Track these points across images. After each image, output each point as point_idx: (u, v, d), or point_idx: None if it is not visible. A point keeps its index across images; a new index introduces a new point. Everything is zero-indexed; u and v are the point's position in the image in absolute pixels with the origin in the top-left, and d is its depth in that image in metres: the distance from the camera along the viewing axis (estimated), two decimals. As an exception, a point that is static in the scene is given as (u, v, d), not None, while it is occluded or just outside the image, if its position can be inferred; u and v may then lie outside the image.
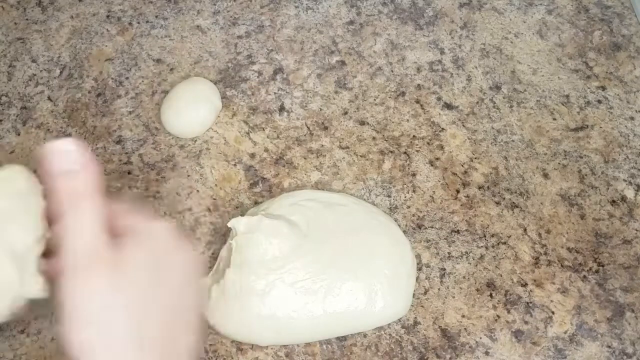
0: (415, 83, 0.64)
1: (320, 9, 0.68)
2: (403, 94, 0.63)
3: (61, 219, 0.31)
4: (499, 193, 0.57)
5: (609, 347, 0.51)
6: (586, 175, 0.58)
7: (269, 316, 0.48)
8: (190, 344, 0.33)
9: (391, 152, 0.60)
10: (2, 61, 0.65)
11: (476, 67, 0.64)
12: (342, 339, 0.51)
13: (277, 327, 0.49)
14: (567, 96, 0.63)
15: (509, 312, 0.52)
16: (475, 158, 0.59)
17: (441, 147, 0.60)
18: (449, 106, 0.62)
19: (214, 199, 0.57)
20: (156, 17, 0.68)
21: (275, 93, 0.63)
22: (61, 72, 0.65)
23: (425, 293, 0.53)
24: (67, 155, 0.31)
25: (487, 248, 0.55)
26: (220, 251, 0.53)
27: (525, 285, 0.53)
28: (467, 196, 0.57)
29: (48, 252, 0.32)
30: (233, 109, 0.62)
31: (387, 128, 0.61)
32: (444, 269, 0.54)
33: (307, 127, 0.61)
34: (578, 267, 0.54)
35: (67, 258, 0.30)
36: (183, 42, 0.66)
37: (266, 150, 0.60)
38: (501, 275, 0.53)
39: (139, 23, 0.68)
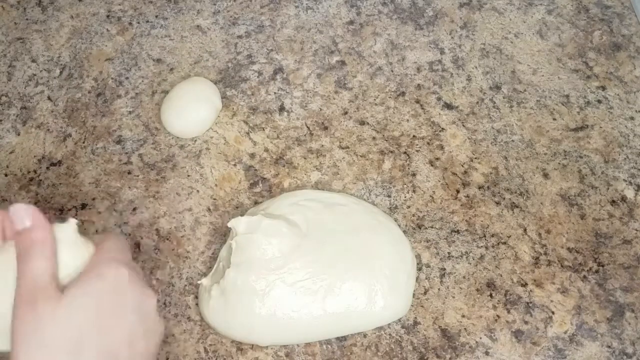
0: (415, 83, 0.64)
1: (320, 9, 0.68)
2: (403, 94, 0.63)
3: (18, 267, 0.36)
4: (499, 193, 0.57)
5: (609, 347, 0.51)
6: (586, 175, 0.58)
7: (269, 316, 0.48)
8: None
9: (391, 152, 0.60)
10: (2, 61, 0.65)
11: (476, 67, 0.64)
12: (342, 339, 0.51)
13: (277, 327, 0.49)
14: (567, 96, 0.63)
15: (509, 312, 0.52)
16: (475, 158, 0.59)
17: (441, 147, 0.60)
18: (449, 106, 0.62)
19: (214, 199, 0.57)
20: (156, 17, 0.68)
21: (275, 93, 0.63)
22: (61, 72, 0.65)
23: (425, 293, 0.53)
24: (25, 217, 0.37)
25: (487, 248, 0.55)
26: (220, 251, 0.53)
27: (525, 285, 0.53)
28: (467, 196, 0.57)
29: None
30: (233, 109, 0.62)
31: (387, 128, 0.61)
32: (444, 269, 0.54)
33: (307, 127, 0.61)
34: (578, 267, 0.54)
35: (16, 294, 0.35)
36: (183, 42, 0.66)
37: (266, 150, 0.60)
38: (501, 275, 0.53)
39: (139, 23, 0.68)
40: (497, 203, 0.57)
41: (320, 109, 0.62)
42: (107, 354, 0.34)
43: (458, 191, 0.57)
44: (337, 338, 0.51)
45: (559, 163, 0.59)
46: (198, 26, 0.67)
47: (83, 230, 0.56)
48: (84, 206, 0.57)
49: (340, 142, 0.60)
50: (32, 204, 0.38)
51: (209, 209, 0.57)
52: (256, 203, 0.57)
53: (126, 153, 0.60)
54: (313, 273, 0.49)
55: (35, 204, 0.56)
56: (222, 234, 0.55)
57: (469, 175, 0.58)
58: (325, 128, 0.61)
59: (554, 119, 0.61)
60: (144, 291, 0.38)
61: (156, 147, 0.60)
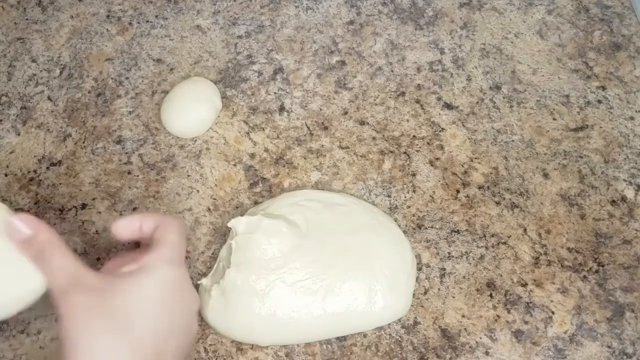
0: (415, 83, 0.64)
1: (320, 9, 0.68)
2: (403, 94, 0.63)
3: (39, 271, 0.38)
4: (499, 193, 0.57)
5: (609, 347, 0.50)
6: (586, 175, 0.58)
7: (269, 316, 0.48)
8: None
9: (391, 152, 0.60)
10: (2, 61, 0.65)
11: (476, 67, 0.64)
12: (342, 339, 0.51)
13: (277, 327, 0.49)
14: (567, 96, 0.63)
15: (509, 312, 0.52)
16: (475, 158, 0.59)
17: (441, 147, 0.60)
18: (449, 106, 0.62)
19: (214, 199, 0.57)
20: (156, 17, 0.68)
21: (275, 93, 0.63)
22: (61, 72, 0.65)
23: (425, 293, 0.53)
24: (20, 228, 0.39)
25: (487, 248, 0.55)
26: (220, 251, 0.53)
27: (525, 285, 0.53)
28: (467, 196, 0.57)
29: None
30: (233, 109, 0.62)
31: (387, 128, 0.61)
32: (444, 269, 0.54)
33: (307, 127, 0.61)
34: (578, 267, 0.54)
35: (54, 291, 0.37)
36: (183, 42, 0.66)
37: (266, 150, 0.60)
38: (501, 275, 0.53)
39: (139, 23, 0.68)
40: (497, 203, 0.57)
41: (320, 109, 0.62)
42: (153, 340, 0.36)
43: (458, 191, 0.57)
44: (337, 338, 0.51)
45: (559, 163, 0.59)
46: (198, 26, 0.67)
47: (83, 230, 0.56)
48: (84, 206, 0.57)
49: (340, 142, 0.60)
50: (25, 212, 0.40)
51: (209, 209, 0.57)
52: (256, 203, 0.57)
53: (126, 153, 0.60)
54: (313, 273, 0.49)
55: (35, 204, 0.57)
56: (222, 234, 0.55)
57: (469, 175, 0.58)
58: (325, 128, 0.61)
59: (554, 119, 0.61)
60: (193, 296, 0.41)
61: (156, 147, 0.60)
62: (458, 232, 0.55)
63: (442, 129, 0.61)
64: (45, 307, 0.41)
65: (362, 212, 0.54)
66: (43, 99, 0.63)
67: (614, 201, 0.57)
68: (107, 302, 0.35)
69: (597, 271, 0.54)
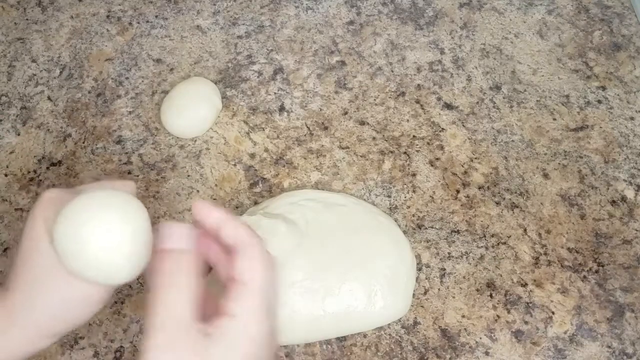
0: (415, 83, 0.64)
1: (320, 9, 0.68)
2: (403, 94, 0.63)
3: (155, 290, 0.32)
4: (499, 193, 0.57)
5: (609, 347, 0.50)
6: (586, 175, 0.58)
7: (269, 316, 0.48)
8: None
9: (391, 152, 0.60)
10: (2, 61, 0.65)
11: (476, 67, 0.64)
12: (342, 339, 0.51)
13: (277, 327, 0.49)
14: (567, 96, 0.63)
15: (509, 312, 0.52)
16: (475, 158, 0.59)
17: (441, 147, 0.60)
18: (449, 106, 0.62)
19: (214, 199, 0.57)
20: (156, 17, 0.68)
21: (275, 93, 0.63)
22: (61, 72, 0.65)
23: (425, 293, 0.53)
24: (181, 237, 0.34)
25: (487, 248, 0.55)
26: (220, 251, 0.53)
27: (525, 285, 0.53)
28: (467, 196, 0.57)
29: None
30: (233, 109, 0.62)
31: (387, 128, 0.61)
32: (444, 269, 0.54)
33: (307, 127, 0.61)
34: (578, 267, 0.54)
35: (154, 328, 0.31)
36: (183, 42, 0.66)
37: (266, 150, 0.60)
38: (501, 275, 0.53)
39: (139, 23, 0.68)
40: (497, 203, 0.57)
41: (320, 109, 0.62)
42: None
43: (458, 191, 0.57)
44: (337, 338, 0.51)
45: (559, 163, 0.59)
46: (198, 26, 0.67)
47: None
48: (84, 206, 0.57)
49: (340, 142, 0.60)
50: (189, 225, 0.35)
51: (209, 209, 0.57)
52: (256, 203, 0.57)
53: (126, 153, 0.60)
54: (313, 273, 0.49)
55: (35, 204, 0.56)
56: (222, 234, 0.55)
57: (469, 175, 0.58)
58: (325, 128, 0.61)
59: (554, 119, 0.61)
60: (275, 346, 0.35)
61: (156, 147, 0.60)
62: (458, 232, 0.55)
63: (442, 129, 0.61)
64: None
65: (362, 212, 0.54)
66: (43, 99, 0.63)
67: (614, 201, 0.57)
68: None
69: (597, 271, 0.54)
